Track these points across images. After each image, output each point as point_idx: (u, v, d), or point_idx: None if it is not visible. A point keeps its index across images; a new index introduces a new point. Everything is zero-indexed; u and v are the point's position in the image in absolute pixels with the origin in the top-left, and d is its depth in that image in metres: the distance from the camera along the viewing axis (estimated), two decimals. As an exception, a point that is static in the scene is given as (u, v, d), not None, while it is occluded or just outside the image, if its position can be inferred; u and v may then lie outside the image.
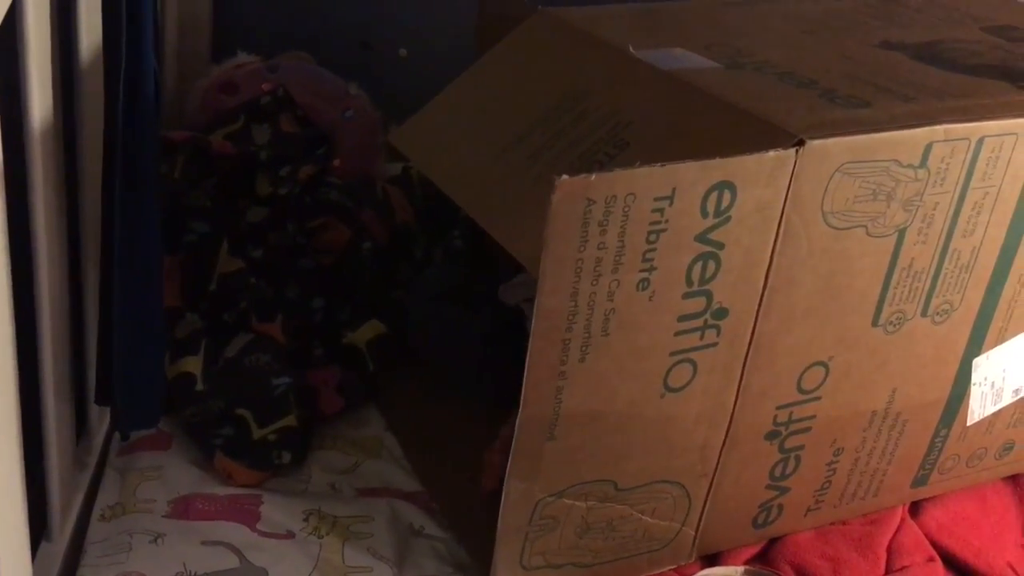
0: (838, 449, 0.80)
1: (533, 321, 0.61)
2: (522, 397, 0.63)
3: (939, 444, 0.85)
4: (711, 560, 0.80)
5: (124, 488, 0.78)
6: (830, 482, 0.82)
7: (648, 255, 0.62)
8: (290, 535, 0.75)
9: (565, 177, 0.56)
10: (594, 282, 0.61)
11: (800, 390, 0.74)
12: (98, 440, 0.85)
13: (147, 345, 0.73)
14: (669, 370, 0.67)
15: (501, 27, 0.90)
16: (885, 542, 0.84)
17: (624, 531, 0.74)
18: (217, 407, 0.82)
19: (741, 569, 0.78)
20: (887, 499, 0.87)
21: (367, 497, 0.81)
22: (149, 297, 0.72)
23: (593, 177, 0.57)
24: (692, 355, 0.68)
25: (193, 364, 0.84)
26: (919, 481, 0.87)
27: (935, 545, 0.85)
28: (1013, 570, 0.84)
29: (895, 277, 0.73)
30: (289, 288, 0.90)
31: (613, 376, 0.65)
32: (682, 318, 0.66)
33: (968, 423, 0.85)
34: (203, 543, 0.73)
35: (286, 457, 0.81)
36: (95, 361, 0.78)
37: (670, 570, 0.79)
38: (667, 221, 0.61)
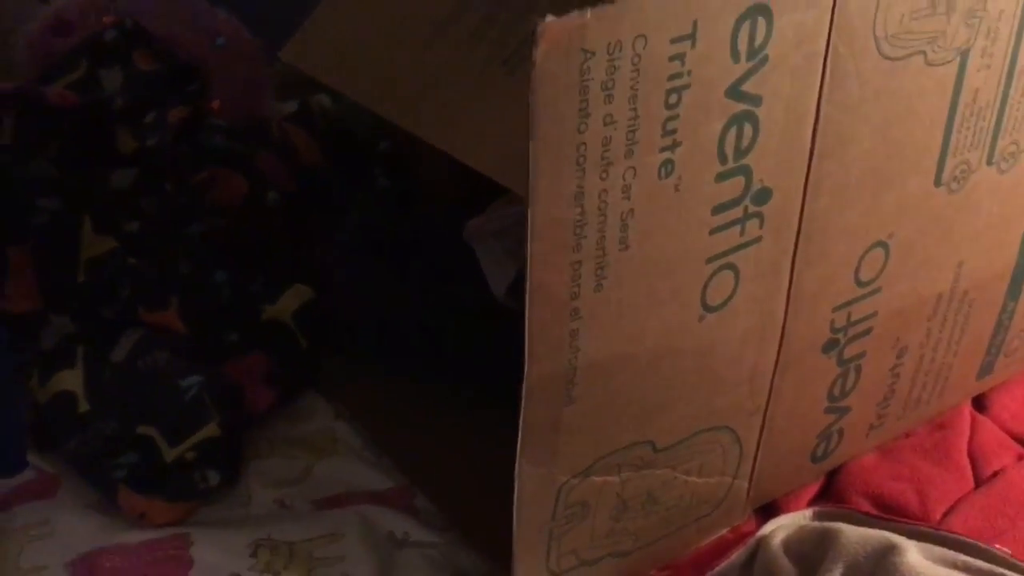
0: (902, 349, 0.64)
1: (528, 244, 0.42)
2: (526, 353, 0.45)
3: (1005, 322, 0.71)
4: (766, 513, 0.64)
5: (2, 558, 0.58)
6: (893, 390, 0.67)
7: (670, 125, 0.44)
8: (237, 580, 0.57)
9: (551, 19, 0.38)
10: (604, 174, 0.43)
11: (858, 282, 0.58)
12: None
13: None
14: (707, 283, 0.50)
15: None
16: (963, 447, 0.70)
17: (667, 500, 0.58)
18: (111, 429, 0.63)
19: (810, 512, 0.62)
20: (952, 397, 0.72)
21: (328, 509, 0.63)
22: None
23: (589, 15, 0.38)
24: (732, 258, 0.51)
25: (71, 379, 0.64)
26: (984, 370, 0.73)
27: (1014, 438, 0.71)
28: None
29: (958, 117, 0.57)
30: (180, 263, 0.71)
31: (640, 303, 0.48)
32: (717, 209, 0.48)
33: (1037, 291, 0.70)
34: (120, 614, 0.55)
35: (213, 478, 0.62)
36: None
37: (724, 534, 0.63)
38: (689, 73, 0.43)
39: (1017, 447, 0.70)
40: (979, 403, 0.75)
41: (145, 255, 0.71)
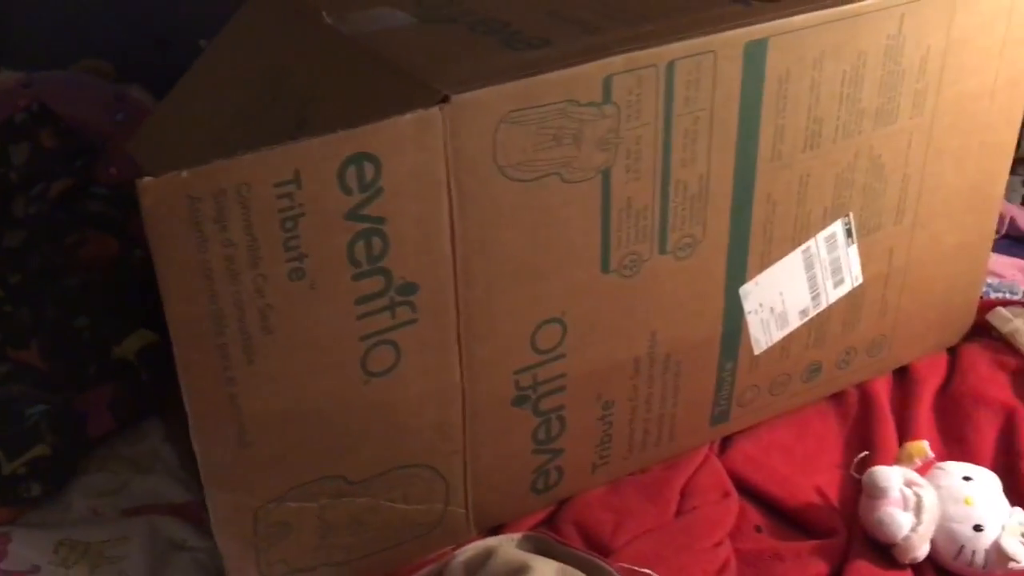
0: (607, 402, 0.77)
1: (170, 330, 0.57)
2: (187, 410, 0.60)
3: (728, 378, 0.82)
4: (496, 532, 0.77)
5: None
6: (610, 436, 0.79)
7: (291, 243, 0.58)
8: (35, 570, 0.73)
9: (149, 179, 0.52)
10: (233, 281, 0.57)
11: (537, 351, 0.71)
12: None
13: None
14: (365, 355, 0.64)
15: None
16: (679, 485, 0.81)
17: (375, 523, 0.71)
18: (-31, 447, 0.79)
19: (518, 536, 0.75)
20: (687, 441, 0.84)
21: (128, 517, 0.78)
22: None
23: (185, 174, 0.53)
24: (389, 336, 0.64)
25: (-52, 406, 0.81)
26: (719, 418, 0.84)
27: (739, 479, 0.83)
28: (820, 492, 0.82)
29: (614, 219, 0.69)
30: (48, 310, 0.87)
31: (297, 372, 0.62)
32: (361, 300, 0.62)
33: (756, 352, 0.82)
34: (-60, 594, 0.71)
35: (35, 489, 0.78)
36: None
37: (448, 550, 0.76)
38: (301, 205, 0.57)
39: (728, 487, 0.81)
40: (728, 443, 0.86)
41: (25, 304, 0.88)
